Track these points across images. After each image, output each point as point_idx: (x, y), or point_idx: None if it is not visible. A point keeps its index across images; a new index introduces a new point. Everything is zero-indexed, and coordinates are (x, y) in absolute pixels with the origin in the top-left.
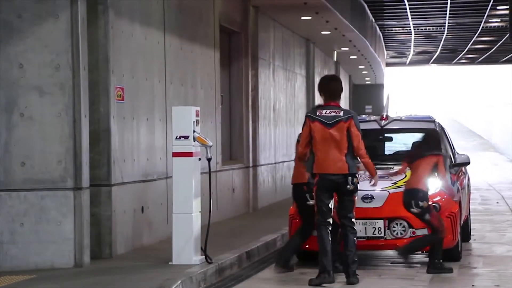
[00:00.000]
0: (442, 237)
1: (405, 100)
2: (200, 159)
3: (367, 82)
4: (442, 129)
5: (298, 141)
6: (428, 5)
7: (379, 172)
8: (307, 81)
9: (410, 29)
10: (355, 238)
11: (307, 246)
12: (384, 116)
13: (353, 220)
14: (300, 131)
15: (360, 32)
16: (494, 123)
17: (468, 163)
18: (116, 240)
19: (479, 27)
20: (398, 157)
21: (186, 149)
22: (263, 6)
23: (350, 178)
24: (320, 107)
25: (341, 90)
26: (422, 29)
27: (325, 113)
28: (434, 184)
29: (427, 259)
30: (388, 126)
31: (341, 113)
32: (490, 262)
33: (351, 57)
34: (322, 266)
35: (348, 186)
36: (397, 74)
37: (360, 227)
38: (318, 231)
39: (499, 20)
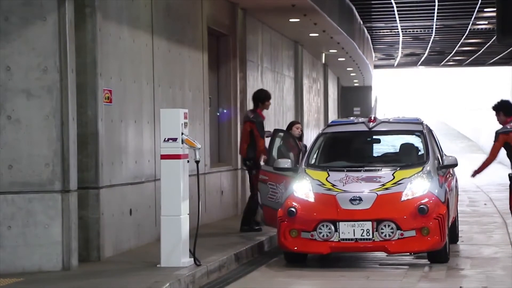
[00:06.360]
0: None
1: (393, 102)
2: (188, 161)
3: (355, 84)
4: (430, 131)
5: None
6: (416, 8)
7: (367, 174)
8: (295, 83)
9: (398, 31)
10: None
11: (296, 248)
12: (372, 118)
13: None
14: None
15: (348, 34)
16: (482, 125)
17: (456, 165)
18: (104, 243)
19: (466, 29)
20: (386, 159)
21: (174, 151)
22: (251, 9)
23: None
24: None
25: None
26: (410, 31)
27: None
28: (422, 186)
29: (416, 261)
30: (376, 128)
31: None
32: (478, 264)
33: (339, 59)
34: None
35: None
36: (385, 76)
37: (349, 229)
38: None
39: (486, 22)
